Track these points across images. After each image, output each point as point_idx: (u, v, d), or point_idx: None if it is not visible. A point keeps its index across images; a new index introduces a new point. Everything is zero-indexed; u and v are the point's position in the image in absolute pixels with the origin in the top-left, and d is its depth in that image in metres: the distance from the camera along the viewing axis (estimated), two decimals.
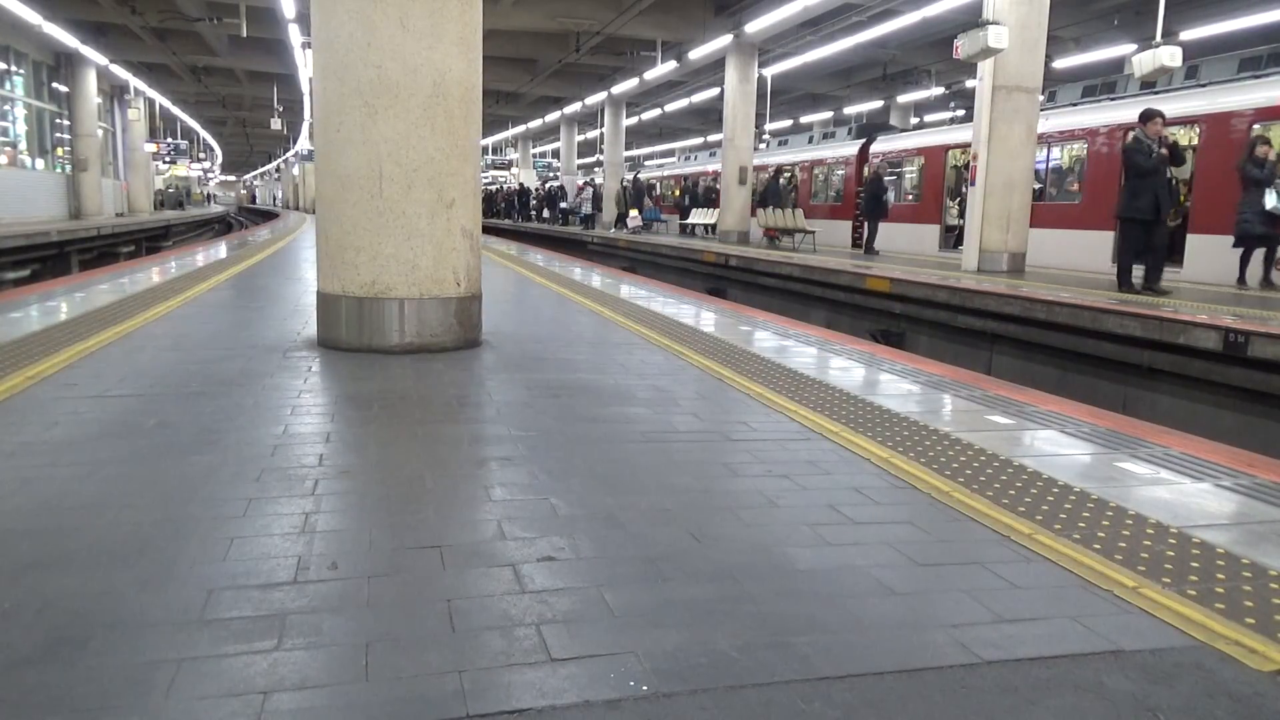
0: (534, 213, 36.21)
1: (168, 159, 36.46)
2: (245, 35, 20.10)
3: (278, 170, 66.88)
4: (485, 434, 3.44)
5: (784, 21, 17.29)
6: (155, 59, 26.05)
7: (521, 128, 40.22)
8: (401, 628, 1.84)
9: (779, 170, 20.81)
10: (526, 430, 3.48)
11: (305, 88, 24.43)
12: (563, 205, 32.82)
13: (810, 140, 24.38)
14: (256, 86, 32.01)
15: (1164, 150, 8.91)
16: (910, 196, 18.10)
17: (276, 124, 34.49)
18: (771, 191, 19.75)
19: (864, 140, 20.07)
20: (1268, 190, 9.37)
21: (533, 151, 44.99)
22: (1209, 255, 11.06)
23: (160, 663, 1.67)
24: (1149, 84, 12.92)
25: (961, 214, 14.90)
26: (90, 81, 25.20)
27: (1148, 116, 9.04)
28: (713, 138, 37.52)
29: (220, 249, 15.14)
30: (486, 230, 24.18)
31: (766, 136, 27.50)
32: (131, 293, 7.72)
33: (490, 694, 1.60)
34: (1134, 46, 14.76)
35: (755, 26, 17.62)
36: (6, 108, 22.25)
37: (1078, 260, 13.03)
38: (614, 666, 1.70)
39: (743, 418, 3.78)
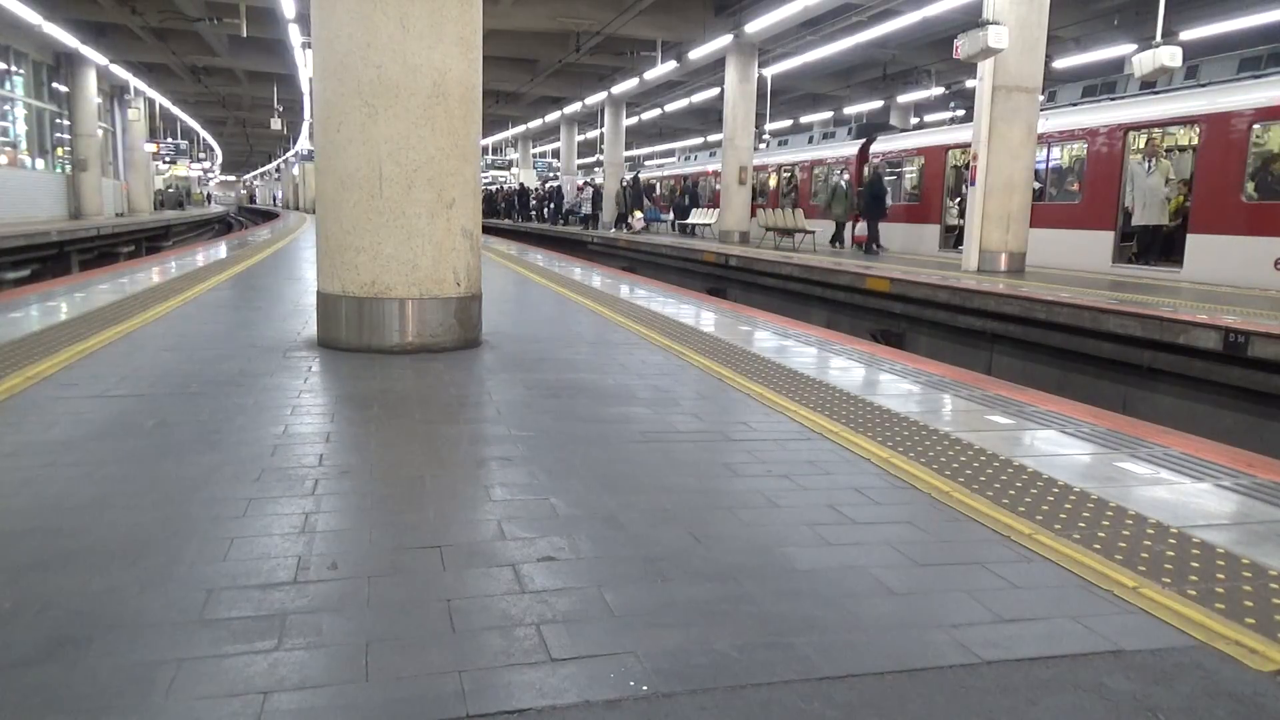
0: (534, 213, 36.22)
1: (168, 159, 36.49)
2: (245, 35, 20.09)
3: (278, 170, 66.84)
4: (485, 434, 3.44)
5: (784, 21, 17.28)
6: (155, 59, 26.03)
7: (521, 128, 40.22)
8: (401, 628, 1.84)
9: (879, 167, 18.14)
10: (526, 430, 3.48)
11: (305, 88, 24.43)
12: (555, 204, 32.79)
13: (810, 140, 24.36)
14: (256, 86, 32.00)
15: None
16: (910, 197, 18.10)
17: (276, 124, 34.49)
18: (877, 193, 16.89)
19: (864, 140, 20.07)
20: None
21: (533, 151, 44.98)
22: (1209, 255, 11.07)
23: (160, 663, 1.67)
24: (1149, 84, 12.93)
25: (962, 214, 14.86)
26: (90, 81, 25.19)
27: None
28: (713, 138, 37.51)
29: (220, 249, 15.14)
30: (486, 230, 24.19)
31: (766, 136, 27.50)
32: (131, 293, 7.72)
33: (490, 694, 1.60)
34: (1134, 46, 14.77)
35: (755, 26, 17.62)
36: (6, 108, 22.25)
37: (1077, 260, 13.04)
38: (614, 666, 1.70)
39: (743, 418, 3.78)
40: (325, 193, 5.23)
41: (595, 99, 28.84)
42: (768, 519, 2.55)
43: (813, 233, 18.61)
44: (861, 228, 17.53)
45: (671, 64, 21.63)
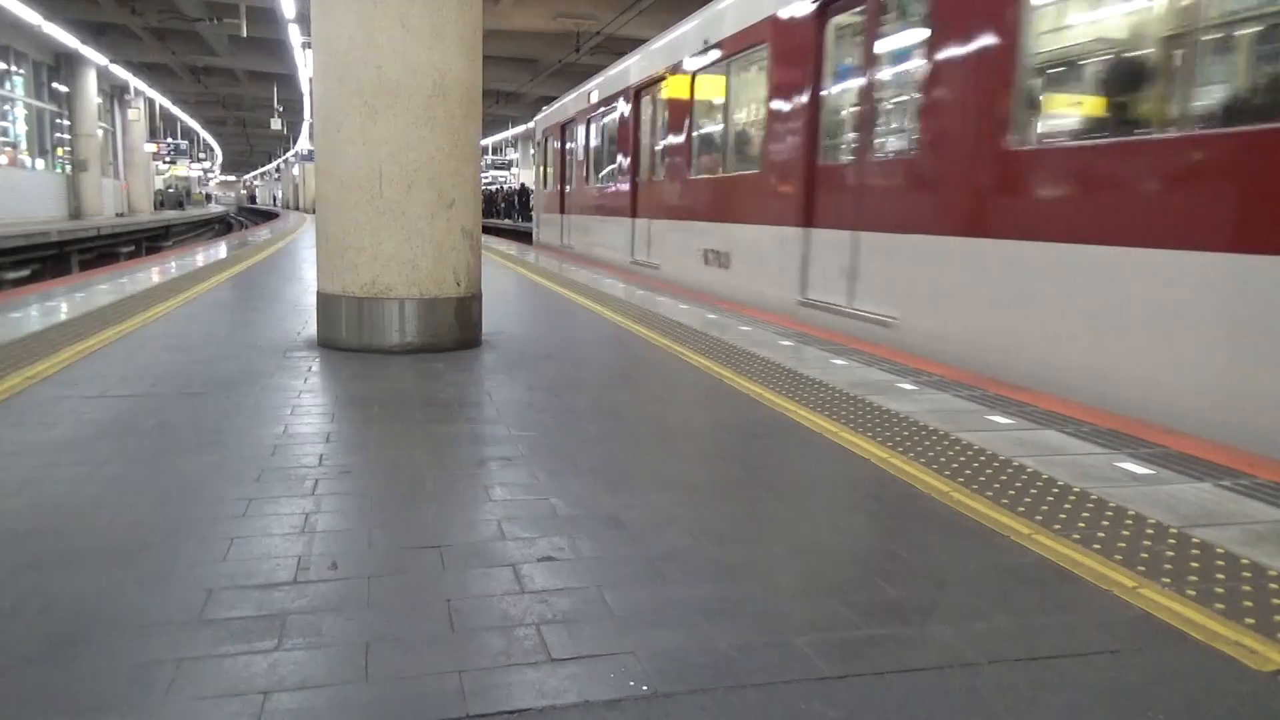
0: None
1: (168, 159, 36.56)
2: (245, 35, 20.11)
3: (278, 170, 66.88)
4: (485, 434, 3.44)
5: None
6: (155, 59, 26.06)
7: (521, 128, 40.25)
8: (401, 628, 1.84)
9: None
10: (526, 430, 3.48)
11: (305, 88, 24.45)
12: None
13: None
14: (256, 86, 32.02)
15: None
16: None
17: (276, 124, 34.56)
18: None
19: None
20: None
21: (533, 151, 44.99)
22: None
23: (160, 663, 1.67)
24: None
25: None
26: (90, 81, 25.21)
27: None
28: None
29: (220, 249, 15.14)
30: (486, 230, 24.19)
31: None
32: (131, 293, 7.72)
33: (490, 694, 1.60)
34: None
35: None
36: (6, 108, 22.26)
37: None
38: (614, 666, 1.70)
39: (743, 417, 3.78)
40: (325, 193, 5.23)
41: None
42: (768, 518, 2.55)
43: None
44: None
45: None
